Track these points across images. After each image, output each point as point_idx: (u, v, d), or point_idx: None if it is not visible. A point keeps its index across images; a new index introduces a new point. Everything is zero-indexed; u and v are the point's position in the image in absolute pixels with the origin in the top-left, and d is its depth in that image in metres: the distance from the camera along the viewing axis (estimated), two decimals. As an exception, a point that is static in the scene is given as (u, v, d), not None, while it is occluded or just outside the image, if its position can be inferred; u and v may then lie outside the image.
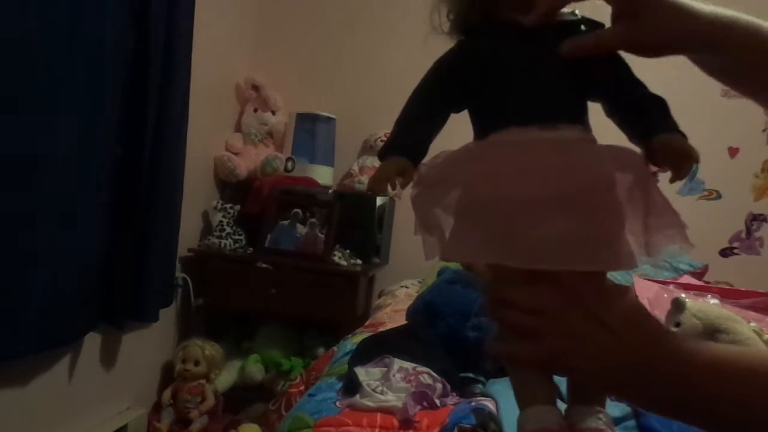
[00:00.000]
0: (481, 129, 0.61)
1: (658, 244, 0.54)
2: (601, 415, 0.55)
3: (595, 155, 0.55)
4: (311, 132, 2.58)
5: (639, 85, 0.60)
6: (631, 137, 0.58)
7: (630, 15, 0.54)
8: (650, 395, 0.48)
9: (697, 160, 0.55)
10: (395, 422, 0.98)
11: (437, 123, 0.63)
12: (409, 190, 0.62)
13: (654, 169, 0.56)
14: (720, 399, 0.45)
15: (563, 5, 0.58)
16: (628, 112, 0.59)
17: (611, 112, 0.61)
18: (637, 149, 0.57)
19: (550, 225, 0.51)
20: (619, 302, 0.51)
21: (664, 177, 0.57)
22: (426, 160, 0.62)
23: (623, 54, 0.61)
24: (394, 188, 0.59)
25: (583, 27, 0.62)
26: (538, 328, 0.50)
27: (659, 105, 0.59)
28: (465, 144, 0.60)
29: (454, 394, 1.13)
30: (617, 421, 0.94)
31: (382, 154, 0.61)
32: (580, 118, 0.59)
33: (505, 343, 0.54)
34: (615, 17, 0.55)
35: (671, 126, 0.56)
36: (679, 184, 0.71)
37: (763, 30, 0.53)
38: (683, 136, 0.56)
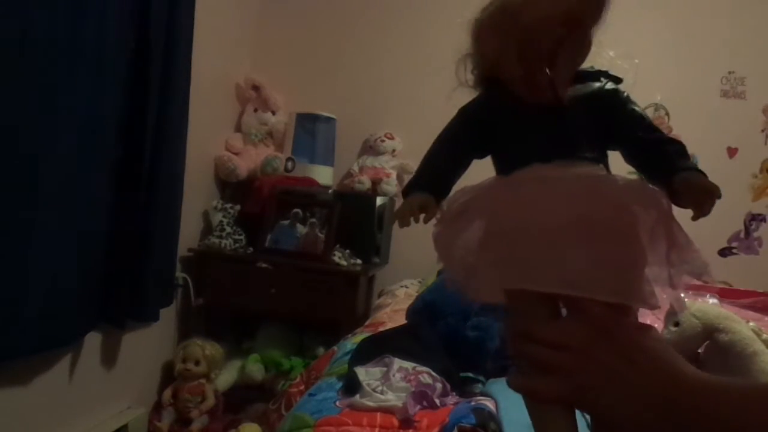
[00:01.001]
0: (504, 168, 0.62)
1: (681, 279, 0.54)
2: None
3: (619, 188, 0.55)
4: (311, 132, 2.58)
5: (655, 131, 0.62)
6: (652, 179, 0.59)
7: None
8: None
9: (719, 196, 0.55)
10: (395, 422, 0.98)
11: (460, 166, 0.66)
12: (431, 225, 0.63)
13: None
14: None
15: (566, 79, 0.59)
16: (647, 156, 0.61)
17: (630, 158, 0.62)
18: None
19: (578, 252, 0.51)
20: (646, 340, 0.49)
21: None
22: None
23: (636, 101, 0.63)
24: (417, 222, 0.61)
25: (602, 78, 0.64)
26: (565, 364, 0.49)
27: (676, 146, 0.60)
28: (488, 178, 0.62)
29: (454, 393, 1.13)
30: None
31: (406, 191, 0.64)
32: (599, 159, 0.61)
33: (528, 378, 0.53)
34: None
35: (690, 165, 0.57)
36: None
37: None
38: (703, 174, 0.56)
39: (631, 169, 0.64)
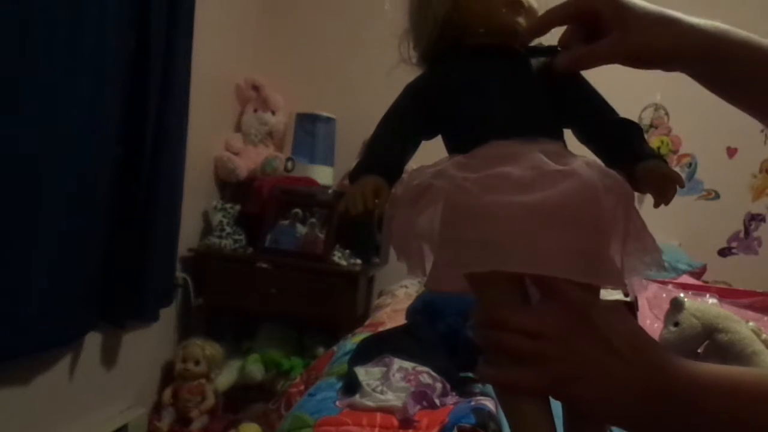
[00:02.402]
0: (458, 147, 0.58)
1: (634, 268, 0.53)
2: None
3: (583, 166, 0.52)
4: (311, 132, 2.59)
5: (611, 111, 0.60)
6: (610, 163, 0.56)
7: (620, 26, 0.53)
8: (664, 426, 0.44)
9: (682, 185, 0.54)
10: (395, 422, 0.98)
11: (410, 147, 0.61)
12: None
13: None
14: (741, 428, 0.42)
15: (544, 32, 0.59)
16: (604, 138, 0.59)
17: (584, 138, 0.60)
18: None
19: (549, 233, 0.48)
20: (622, 324, 0.47)
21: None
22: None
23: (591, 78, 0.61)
24: (370, 207, 0.56)
25: (553, 54, 0.62)
26: (541, 353, 0.46)
27: (635, 131, 0.58)
28: (445, 157, 0.57)
29: (454, 393, 1.13)
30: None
31: (355, 175, 0.58)
32: (558, 136, 0.58)
33: (500, 369, 0.49)
34: (605, 30, 0.54)
35: (652, 152, 0.56)
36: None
37: (754, 42, 0.53)
38: (664, 161, 0.56)
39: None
